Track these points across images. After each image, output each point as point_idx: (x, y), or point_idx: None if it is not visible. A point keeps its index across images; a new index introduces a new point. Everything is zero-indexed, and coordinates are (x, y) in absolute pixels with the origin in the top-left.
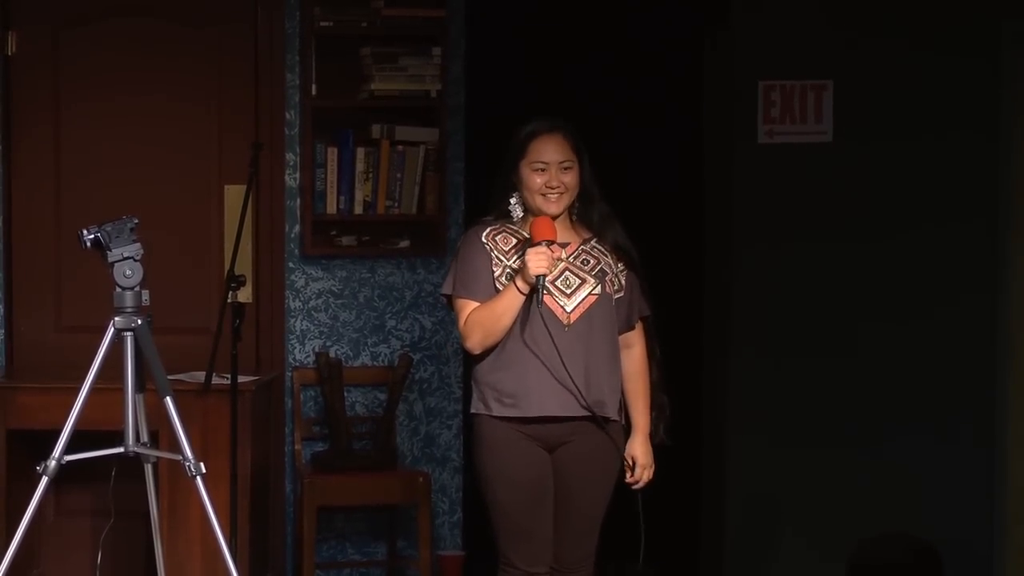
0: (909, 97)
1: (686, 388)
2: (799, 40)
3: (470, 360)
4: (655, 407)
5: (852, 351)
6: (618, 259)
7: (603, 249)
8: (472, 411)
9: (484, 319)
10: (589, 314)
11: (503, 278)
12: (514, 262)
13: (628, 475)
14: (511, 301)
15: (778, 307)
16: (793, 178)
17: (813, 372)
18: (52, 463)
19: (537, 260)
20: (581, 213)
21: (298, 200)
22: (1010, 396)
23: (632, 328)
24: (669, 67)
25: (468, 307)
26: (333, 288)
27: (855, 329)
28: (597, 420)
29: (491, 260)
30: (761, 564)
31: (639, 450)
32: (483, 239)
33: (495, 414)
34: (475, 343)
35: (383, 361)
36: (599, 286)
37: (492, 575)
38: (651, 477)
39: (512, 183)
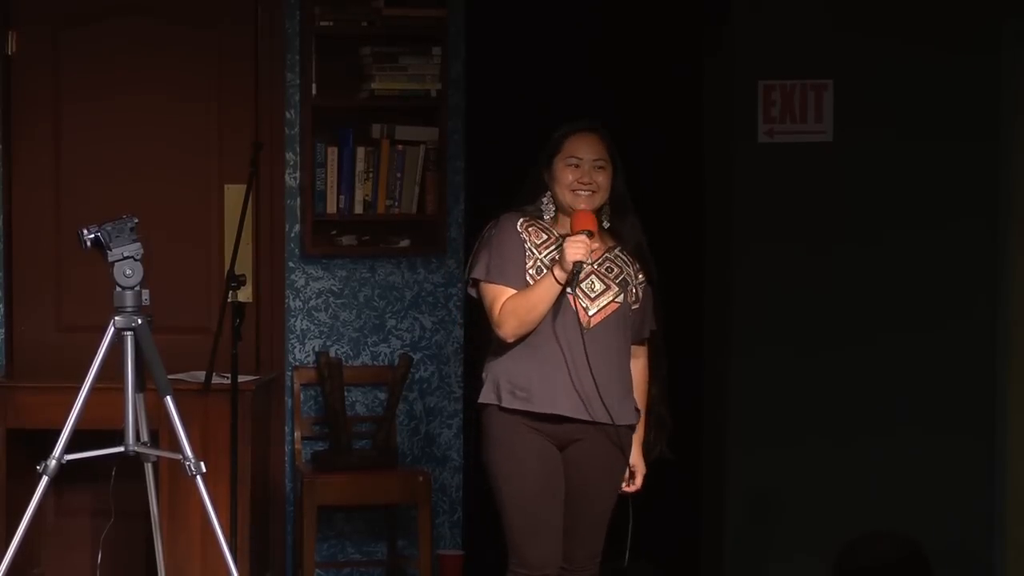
0: (909, 97)
1: (686, 388)
2: (799, 40)
3: (484, 350)
4: (653, 420)
5: (852, 351)
6: (638, 271)
7: (626, 259)
8: (481, 401)
9: (519, 308)
10: (608, 321)
11: (533, 271)
12: (545, 256)
13: (625, 484)
14: (547, 291)
15: (778, 307)
16: (793, 178)
17: (813, 371)
18: (52, 463)
19: (575, 247)
20: (614, 222)
21: (298, 200)
22: (1010, 396)
23: (643, 342)
24: (669, 67)
25: (504, 294)
26: (333, 288)
27: (855, 329)
28: (607, 423)
29: (525, 251)
30: (761, 563)
31: (637, 459)
32: (518, 228)
33: (505, 405)
34: (509, 332)
35: (383, 361)
36: (621, 295)
37: (492, 575)
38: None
39: (544, 182)
